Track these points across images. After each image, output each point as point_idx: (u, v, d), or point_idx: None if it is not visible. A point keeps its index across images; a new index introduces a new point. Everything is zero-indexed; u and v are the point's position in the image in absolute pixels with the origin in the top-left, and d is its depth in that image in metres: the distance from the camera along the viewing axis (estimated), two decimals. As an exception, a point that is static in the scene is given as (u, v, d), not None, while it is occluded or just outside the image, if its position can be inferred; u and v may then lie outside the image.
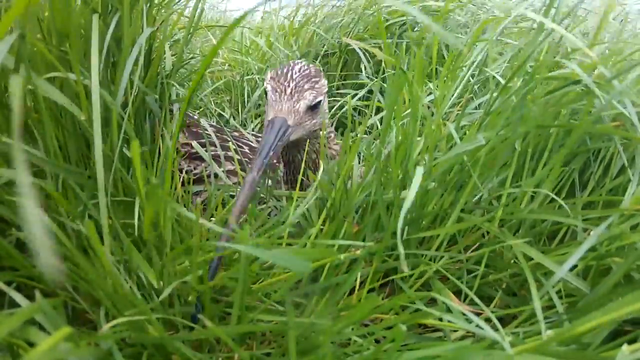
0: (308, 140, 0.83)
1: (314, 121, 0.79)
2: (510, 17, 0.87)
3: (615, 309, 0.37)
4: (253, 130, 1.52)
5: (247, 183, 0.60)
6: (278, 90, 0.74)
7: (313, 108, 0.77)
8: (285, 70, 0.77)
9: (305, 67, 0.79)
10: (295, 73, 0.76)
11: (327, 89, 0.81)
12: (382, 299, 0.70)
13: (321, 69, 0.89)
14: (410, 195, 0.51)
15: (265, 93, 0.77)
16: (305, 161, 0.84)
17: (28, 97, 0.59)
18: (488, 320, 0.65)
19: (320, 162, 0.80)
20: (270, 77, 0.77)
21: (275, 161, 1.02)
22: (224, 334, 0.41)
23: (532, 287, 0.55)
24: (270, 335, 0.59)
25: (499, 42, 1.22)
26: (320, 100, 0.77)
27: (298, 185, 0.75)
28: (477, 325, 0.50)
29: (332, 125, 0.89)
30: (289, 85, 0.74)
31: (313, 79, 0.77)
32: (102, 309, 0.48)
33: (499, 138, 0.66)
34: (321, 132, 0.78)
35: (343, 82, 1.73)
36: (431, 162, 0.66)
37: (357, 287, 0.68)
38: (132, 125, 0.73)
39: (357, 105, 1.51)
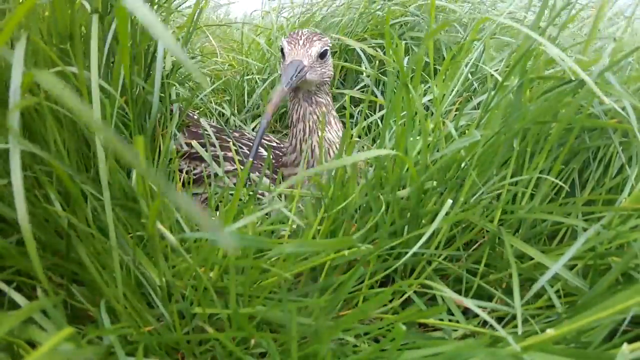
0: (317, 93, 1.00)
1: (324, 69, 0.97)
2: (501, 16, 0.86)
3: (614, 304, 0.37)
4: (253, 130, 1.52)
5: (277, 91, 0.83)
6: (292, 42, 0.93)
7: (322, 56, 0.95)
8: (297, 31, 0.97)
9: (310, 30, 0.99)
10: (305, 32, 0.97)
11: (330, 44, 0.99)
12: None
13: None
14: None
15: (282, 50, 0.95)
16: (314, 118, 1.00)
17: (28, 97, 0.59)
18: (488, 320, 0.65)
19: (331, 118, 1.01)
20: (285, 38, 0.96)
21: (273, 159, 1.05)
22: (223, 337, 0.41)
23: (515, 286, 0.55)
24: (269, 335, 0.59)
25: (497, 40, 1.22)
26: (327, 50, 0.96)
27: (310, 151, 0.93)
28: (480, 323, 0.50)
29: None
30: (301, 38, 0.94)
31: (319, 34, 0.97)
32: (102, 304, 0.48)
33: (497, 135, 0.66)
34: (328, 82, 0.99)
35: (342, 82, 1.73)
36: (426, 160, 0.66)
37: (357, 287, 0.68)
38: (133, 125, 0.73)
39: (358, 97, 1.51)
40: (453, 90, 0.94)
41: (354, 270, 0.53)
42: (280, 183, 0.99)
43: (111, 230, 0.48)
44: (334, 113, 1.05)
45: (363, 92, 1.56)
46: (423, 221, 0.72)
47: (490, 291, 0.67)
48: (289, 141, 1.05)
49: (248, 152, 1.08)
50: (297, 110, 1.01)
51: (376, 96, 1.34)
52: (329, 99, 1.03)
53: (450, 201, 0.55)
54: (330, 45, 1.00)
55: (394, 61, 0.71)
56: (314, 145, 0.99)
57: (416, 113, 0.68)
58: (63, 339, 0.29)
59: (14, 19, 0.29)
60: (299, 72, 0.89)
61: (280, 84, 0.85)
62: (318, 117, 1.00)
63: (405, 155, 0.70)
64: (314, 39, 0.95)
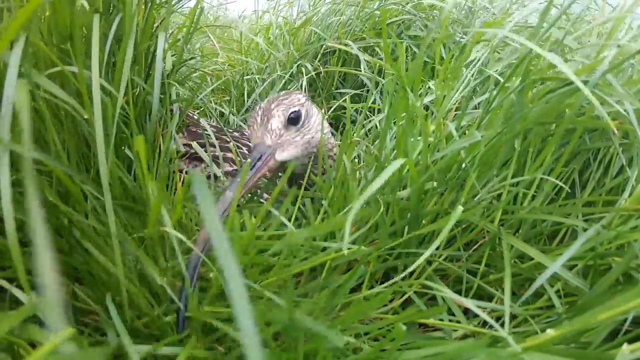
0: (314, 165, 0.81)
1: (306, 137, 0.77)
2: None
3: (615, 305, 0.37)
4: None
5: (222, 201, 0.60)
6: (251, 124, 0.76)
7: (294, 122, 0.75)
8: (255, 109, 0.79)
9: (275, 95, 0.80)
10: (263, 104, 0.78)
11: (305, 101, 0.79)
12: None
13: (300, 90, 0.86)
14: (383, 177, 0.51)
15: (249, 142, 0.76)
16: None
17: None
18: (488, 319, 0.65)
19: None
20: (248, 121, 0.79)
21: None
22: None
23: (507, 286, 0.55)
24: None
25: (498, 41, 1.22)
26: (297, 111, 0.75)
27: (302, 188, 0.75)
28: (481, 323, 0.50)
29: (332, 136, 0.88)
30: (258, 115, 0.76)
31: (280, 99, 0.77)
32: (108, 297, 0.48)
33: (498, 136, 0.66)
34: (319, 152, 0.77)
35: (342, 82, 1.73)
36: (426, 160, 0.66)
37: (357, 287, 0.68)
38: (134, 124, 0.73)
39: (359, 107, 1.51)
40: (454, 91, 0.94)
41: (354, 270, 0.53)
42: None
43: (113, 233, 0.48)
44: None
45: (362, 91, 1.57)
46: (423, 221, 0.72)
47: (491, 291, 0.67)
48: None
49: (247, 152, 1.08)
50: (296, 185, 0.84)
51: (375, 98, 1.34)
52: (328, 147, 0.82)
53: (460, 208, 0.54)
54: (303, 101, 0.78)
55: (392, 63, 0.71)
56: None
57: (416, 114, 0.68)
58: (64, 339, 0.28)
59: (15, 23, 0.29)
60: (258, 160, 0.71)
61: (230, 188, 0.63)
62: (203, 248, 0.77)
63: (406, 156, 0.70)
64: (272, 107, 0.75)
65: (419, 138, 0.72)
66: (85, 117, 0.48)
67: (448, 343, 0.44)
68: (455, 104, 0.95)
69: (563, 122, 0.63)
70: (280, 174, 0.99)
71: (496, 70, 0.91)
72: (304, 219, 0.79)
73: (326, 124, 0.80)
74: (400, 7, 1.64)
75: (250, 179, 0.68)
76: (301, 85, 1.50)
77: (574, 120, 0.65)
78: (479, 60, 0.89)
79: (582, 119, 0.66)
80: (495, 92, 0.73)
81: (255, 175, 0.69)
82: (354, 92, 1.53)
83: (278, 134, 0.73)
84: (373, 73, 1.40)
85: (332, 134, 0.90)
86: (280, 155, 0.73)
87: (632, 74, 0.83)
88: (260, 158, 0.71)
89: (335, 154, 0.86)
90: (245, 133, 1.20)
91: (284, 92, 0.82)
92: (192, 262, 0.52)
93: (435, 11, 1.66)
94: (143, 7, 0.84)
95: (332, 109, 1.43)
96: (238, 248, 0.50)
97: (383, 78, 1.38)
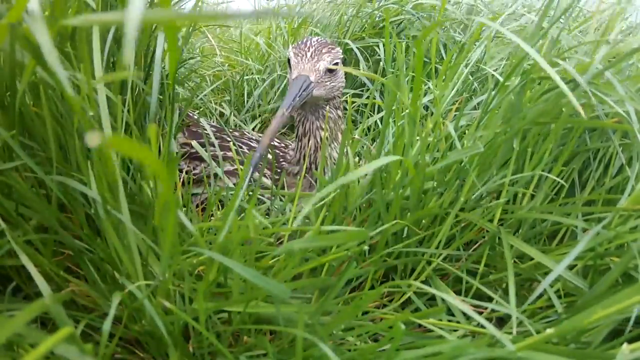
0: (325, 107, 0.93)
1: (333, 84, 0.90)
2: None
3: (614, 303, 0.37)
4: (253, 130, 1.52)
5: (277, 117, 0.76)
6: (300, 54, 0.87)
7: (331, 70, 0.88)
8: (305, 40, 0.90)
9: (322, 38, 0.92)
10: (314, 42, 0.89)
11: (342, 56, 0.92)
12: (382, 297, 0.70)
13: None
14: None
15: (288, 61, 0.89)
16: (321, 134, 0.94)
17: (28, 96, 0.59)
18: (489, 319, 0.65)
19: (338, 134, 0.96)
20: (292, 47, 0.89)
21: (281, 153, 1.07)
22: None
23: (511, 287, 0.55)
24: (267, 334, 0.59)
25: (497, 40, 1.22)
26: (338, 63, 0.89)
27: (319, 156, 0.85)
28: (479, 324, 0.50)
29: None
30: (309, 50, 0.87)
31: (329, 46, 0.89)
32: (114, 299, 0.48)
33: (497, 135, 0.66)
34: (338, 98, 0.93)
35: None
36: (425, 162, 0.66)
37: (357, 287, 0.68)
38: (133, 124, 0.73)
39: (358, 107, 1.51)
40: (451, 88, 0.94)
41: (346, 266, 0.53)
42: (282, 185, 0.98)
43: (130, 233, 0.48)
44: (344, 127, 0.97)
45: (362, 91, 1.57)
46: (423, 221, 0.72)
47: (491, 291, 0.67)
48: (294, 152, 1.00)
49: (247, 153, 1.08)
50: (303, 123, 0.96)
51: (375, 97, 1.33)
52: (340, 113, 0.96)
53: (457, 207, 0.54)
54: (342, 57, 0.91)
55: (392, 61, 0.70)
56: (319, 162, 0.94)
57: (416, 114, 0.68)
58: (62, 339, 0.28)
59: (16, 9, 0.29)
60: (304, 90, 0.82)
61: (282, 107, 0.77)
62: (326, 132, 0.93)
63: (404, 155, 0.70)
64: (324, 51, 0.87)
65: (417, 138, 0.72)
66: (91, 113, 0.48)
67: (446, 342, 0.44)
68: (454, 103, 0.95)
69: (559, 122, 0.63)
70: (278, 173, 0.99)
71: (496, 70, 0.91)
72: (306, 218, 0.79)
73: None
74: (400, 7, 1.64)
75: (296, 101, 0.79)
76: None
77: (569, 120, 0.65)
78: (475, 55, 0.89)
79: (578, 119, 0.66)
80: (493, 92, 0.73)
81: (301, 100, 0.81)
82: (353, 91, 1.53)
83: (321, 74, 0.86)
84: (372, 68, 1.40)
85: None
86: (316, 92, 0.86)
87: (630, 73, 0.83)
88: (306, 88, 0.82)
89: (344, 113, 0.98)
90: (246, 133, 1.20)
91: (328, 39, 0.93)
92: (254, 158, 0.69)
93: (435, 11, 1.66)
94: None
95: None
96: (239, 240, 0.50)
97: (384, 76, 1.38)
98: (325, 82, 0.88)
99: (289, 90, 0.82)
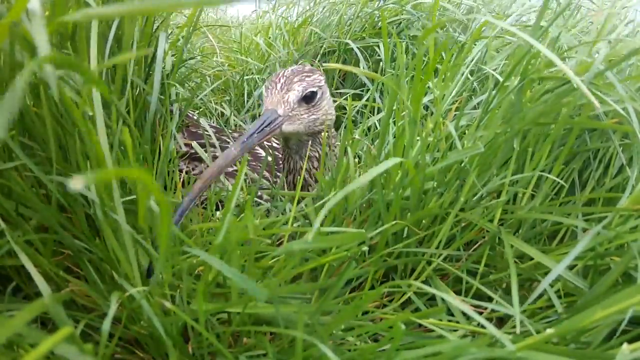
0: (309, 145, 0.85)
1: (313, 116, 0.80)
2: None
3: (614, 303, 0.37)
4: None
5: (222, 156, 0.66)
6: (270, 87, 0.79)
7: (307, 100, 0.79)
8: (278, 72, 0.82)
9: (299, 67, 0.83)
10: (287, 72, 0.81)
11: (323, 84, 0.82)
12: (382, 297, 0.70)
13: (321, 69, 0.91)
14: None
15: (261, 98, 0.81)
16: (307, 169, 0.86)
17: (28, 97, 0.59)
18: (489, 319, 0.65)
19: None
20: (265, 82, 0.82)
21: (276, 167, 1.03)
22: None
23: (514, 287, 0.55)
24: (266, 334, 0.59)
25: (497, 40, 1.22)
26: (314, 92, 0.79)
27: (299, 186, 0.76)
28: (479, 324, 0.50)
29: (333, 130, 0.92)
30: (279, 81, 0.79)
31: (304, 73, 0.80)
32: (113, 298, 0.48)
33: (497, 135, 0.66)
34: (323, 134, 0.80)
35: (342, 81, 1.73)
36: (425, 162, 0.66)
37: (357, 287, 0.68)
38: (132, 124, 0.73)
39: (358, 107, 1.51)
40: (452, 87, 0.94)
41: (346, 266, 0.53)
42: (282, 185, 0.98)
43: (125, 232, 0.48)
44: (335, 162, 0.87)
45: (362, 91, 1.56)
46: (424, 221, 0.72)
47: (491, 291, 0.67)
48: (280, 180, 0.96)
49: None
50: (288, 161, 0.89)
51: (374, 97, 1.34)
52: (327, 150, 0.86)
53: (457, 207, 0.54)
54: (322, 84, 0.81)
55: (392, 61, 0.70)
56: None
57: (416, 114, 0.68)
58: (62, 339, 0.28)
59: (14, 11, 0.29)
60: (266, 126, 0.73)
61: (233, 144, 0.69)
62: (309, 173, 0.86)
63: (404, 155, 0.70)
64: (295, 80, 0.78)
65: (417, 138, 0.72)
66: (91, 113, 0.48)
67: (446, 342, 0.44)
68: (455, 103, 0.95)
69: (559, 123, 0.63)
70: (278, 173, 0.99)
71: (495, 69, 0.91)
72: (305, 219, 0.79)
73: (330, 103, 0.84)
74: (400, 7, 1.64)
75: (253, 139, 0.71)
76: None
77: (569, 121, 0.65)
78: (476, 55, 0.89)
79: (578, 119, 0.66)
80: (494, 92, 0.73)
81: (259, 138, 0.72)
82: (353, 92, 1.53)
83: (291, 107, 0.77)
84: (372, 68, 1.40)
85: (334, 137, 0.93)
86: (287, 127, 0.77)
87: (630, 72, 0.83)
88: (269, 124, 0.74)
89: (335, 145, 0.89)
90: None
91: (307, 66, 0.85)
92: (185, 202, 0.58)
93: (437, 11, 1.66)
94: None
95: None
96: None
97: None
98: (302, 114, 0.79)
99: (254, 124, 0.74)
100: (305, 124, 0.80)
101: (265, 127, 0.73)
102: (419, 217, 0.69)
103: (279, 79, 0.79)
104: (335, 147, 0.91)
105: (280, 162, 1.04)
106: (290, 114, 0.77)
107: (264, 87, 0.81)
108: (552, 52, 0.53)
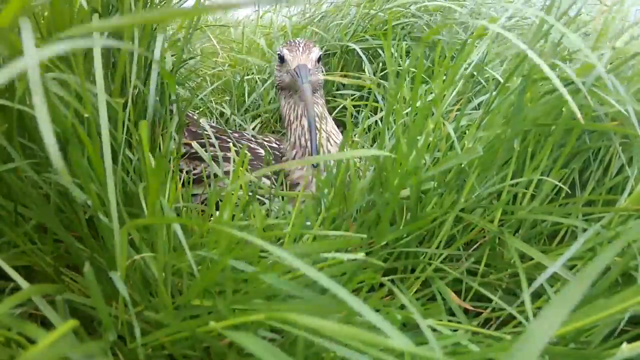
0: (316, 94, 1.06)
1: (318, 76, 1.04)
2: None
3: (614, 303, 0.37)
4: (253, 130, 1.52)
5: (304, 89, 0.92)
6: (293, 50, 1.01)
7: (319, 61, 1.04)
8: (293, 40, 1.05)
9: (305, 40, 1.07)
10: (299, 40, 1.05)
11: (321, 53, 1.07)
12: (381, 298, 0.70)
13: (322, 69, 1.13)
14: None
15: (281, 58, 1.03)
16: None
17: (27, 97, 0.59)
18: (489, 319, 0.65)
19: (326, 114, 1.10)
20: (283, 46, 1.04)
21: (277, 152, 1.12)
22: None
23: (524, 282, 0.55)
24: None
25: (499, 41, 1.22)
26: (321, 55, 1.05)
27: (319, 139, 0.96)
28: (481, 323, 0.50)
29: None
30: (299, 46, 1.02)
31: (313, 42, 1.06)
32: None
33: (497, 136, 0.66)
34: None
35: (343, 82, 1.73)
36: (424, 161, 0.66)
37: (357, 287, 0.68)
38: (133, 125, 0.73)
39: (357, 105, 1.51)
40: (454, 90, 0.94)
41: (348, 269, 0.53)
42: (281, 183, 0.99)
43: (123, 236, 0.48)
44: (327, 115, 1.11)
45: (362, 92, 1.56)
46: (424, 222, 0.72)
47: (491, 291, 0.67)
48: (287, 140, 1.08)
49: (247, 153, 1.08)
50: (294, 109, 1.06)
51: (376, 99, 1.34)
52: (323, 101, 1.10)
53: (457, 208, 0.54)
54: (321, 53, 1.07)
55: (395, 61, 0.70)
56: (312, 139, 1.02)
57: (416, 114, 0.68)
58: (63, 334, 0.28)
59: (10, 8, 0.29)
60: (312, 74, 0.96)
61: (300, 82, 0.93)
62: (315, 114, 1.01)
63: (404, 155, 0.70)
64: (311, 46, 1.03)
65: (418, 138, 0.72)
66: (87, 115, 0.48)
67: (447, 341, 0.44)
68: (455, 104, 0.95)
69: (559, 125, 0.63)
70: (276, 174, 0.99)
71: (497, 72, 0.91)
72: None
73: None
74: (404, 9, 1.63)
75: (310, 75, 0.95)
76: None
77: (570, 123, 0.65)
78: (477, 56, 0.89)
79: (578, 121, 0.66)
80: (494, 93, 0.73)
81: (316, 78, 1.00)
82: (353, 92, 1.53)
83: (314, 64, 1.01)
84: (375, 75, 1.40)
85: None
86: (313, 77, 0.99)
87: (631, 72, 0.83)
88: (309, 72, 0.96)
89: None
90: (245, 134, 1.20)
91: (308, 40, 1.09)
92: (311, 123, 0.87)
93: (438, 12, 1.66)
94: (142, 6, 0.84)
95: (336, 109, 1.44)
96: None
97: (385, 80, 1.38)
98: (316, 72, 1.02)
99: (299, 72, 0.95)
100: (316, 79, 1.02)
101: (309, 72, 0.95)
102: (419, 219, 0.69)
103: (299, 44, 1.02)
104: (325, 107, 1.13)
105: (281, 158, 1.08)
106: (314, 68, 1.00)
107: (284, 50, 1.01)
108: (553, 54, 0.53)
